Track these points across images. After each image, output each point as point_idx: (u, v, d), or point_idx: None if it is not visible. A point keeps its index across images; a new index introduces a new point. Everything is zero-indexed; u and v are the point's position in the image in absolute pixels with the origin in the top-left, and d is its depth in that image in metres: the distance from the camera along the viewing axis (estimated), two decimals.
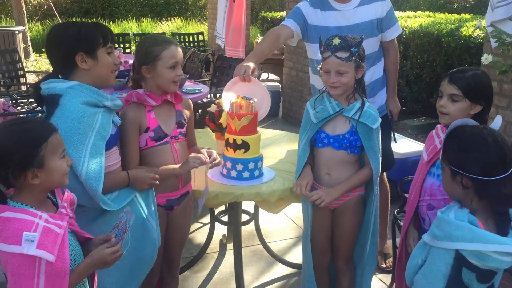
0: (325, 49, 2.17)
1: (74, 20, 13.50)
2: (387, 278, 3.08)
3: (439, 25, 6.14)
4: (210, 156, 2.20)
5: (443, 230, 1.57)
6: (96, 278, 1.73)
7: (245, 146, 2.38)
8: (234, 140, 2.38)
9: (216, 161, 2.24)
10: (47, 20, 13.73)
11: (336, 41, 2.13)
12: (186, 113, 2.25)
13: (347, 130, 2.22)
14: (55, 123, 1.62)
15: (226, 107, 2.50)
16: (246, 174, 2.41)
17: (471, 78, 1.93)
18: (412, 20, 6.84)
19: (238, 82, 2.50)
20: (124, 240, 1.62)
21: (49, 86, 1.83)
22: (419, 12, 8.20)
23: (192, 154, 2.14)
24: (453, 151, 1.64)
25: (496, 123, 1.72)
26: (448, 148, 1.66)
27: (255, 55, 2.69)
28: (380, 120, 2.23)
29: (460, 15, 7.37)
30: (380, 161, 2.25)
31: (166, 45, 2.07)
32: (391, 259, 3.18)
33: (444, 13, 7.84)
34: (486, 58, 3.18)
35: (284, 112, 7.02)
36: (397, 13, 7.89)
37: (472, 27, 5.72)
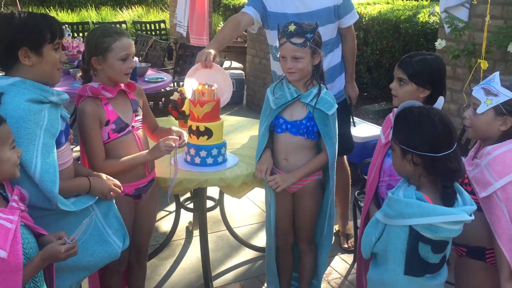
0: (281, 36, 2.22)
1: (30, 8, 13.12)
2: (350, 257, 3.19)
3: (397, 11, 6.29)
4: (180, 138, 2.18)
5: (395, 209, 1.66)
6: (54, 279, 1.71)
7: (208, 132, 2.41)
8: (197, 127, 2.41)
9: (184, 143, 2.22)
10: (4, 9, 13.27)
11: (292, 27, 2.18)
12: (140, 101, 2.25)
13: (304, 116, 2.27)
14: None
15: (188, 94, 2.52)
16: (209, 160, 2.45)
17: (416, 63, 2.03)
18: (372, 7, 6.97)
19: (200, 68, 2.53)
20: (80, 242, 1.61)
21: None
22: None
23: (162, 140, 2.12)
24: (402, 131, 1.73)
25: (439, 103, 1.82)
26: (398, 129, 1.74)
27: (216, 42, 2.71)
28: (336, 106, 2.30)
29: (417, 1, 7.55)
30: (336, 146, 2.32)
31: (118, 36, 2.03)
32: (353, 239, 3.29)
33: (403, 0, 8.01)
34: (439, 43, 3.32)
35: (248, 100, 7.06)
36: (358, 0, 8.02)
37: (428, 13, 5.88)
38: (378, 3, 7.51)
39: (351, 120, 3.29)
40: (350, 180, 3.35)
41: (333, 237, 3.32)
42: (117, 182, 1.99)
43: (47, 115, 1.74)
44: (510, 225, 1.73)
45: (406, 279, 1.67)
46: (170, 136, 2.15)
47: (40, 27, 1.75)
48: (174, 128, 2.30)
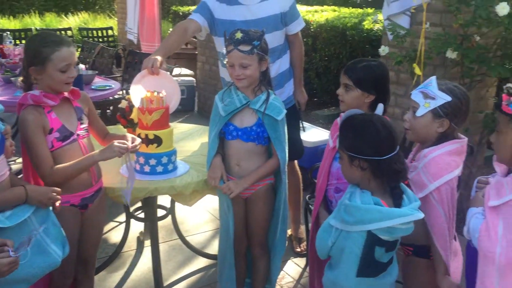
0: (228, 43, 2.22)
1: None
2: (302, 261, 3.22)
3: (343, 19, 6.45)
4: (133, 142, 2.12)
5: (354, 216, 1.69)
6: None
7: (158, 140, 2.38)
8: (146, 135, 2.37)
9: (137, 148, 2.15)
10: None
11: (238, 35, 2.19)
12: (85, 108, 2.19)
13: (254, 122, 2.29)
14: None
15: (136, 102, 2.48)
16: (159, 168, 2.42)
17: (361, 69, 2.10)
18: (319, 14, 7.12)
19: (147, 75, 2.50)
20: (22, 255, 1.55)
21: None
22: (325, 7, 8.54)
23: (116, 141, 2.06)
24: (348, 139, 1.78)
25: (379, 110, 1.89)
26: (344, 136, 1.80)
27: (163, 49, 2.69)
28: (285, 111, 2.33)
29: (363, 9, 7.78)
30: (287, 151, 2.35)
31: (57, 46, 1.96)
32: (305, 243, 3.33)
33: (349, 8, 8.24)
34: (383, 50, 3.43)
35: (200, 107, 7.03)
36: (306, 8, 8.18)
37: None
38: (325, 11, 7.69)
39: (301, 125, 3.34)
40: (301, 185, 3.39)
41: (286, 241, 3.38)
42: (56, 188, 1.92)
43: None
44: (445, 225, 1.82)
45: (357, 280, 1.72)
46: (124, 140, 2.09)
47: None
48: (128, 134, 2.24)
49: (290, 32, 3.05)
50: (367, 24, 6.05)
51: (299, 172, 3.36)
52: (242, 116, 2.31)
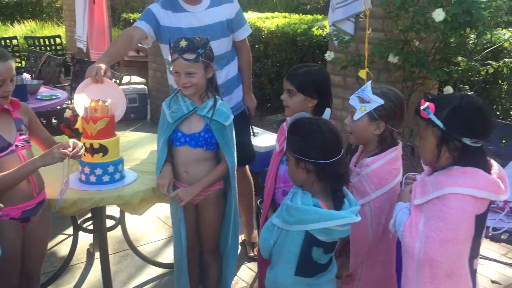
0: (173, 51, 2.22)
1: None
2: (255, 266, 3.22)
3: (294, 25, 6.56)
4: (74, 148, 2.06)
5: (294, 216, 1.73)
6: None
7: (103, 150, 2.35)
8: (91, 145, 2.33)
9: (80, 154, 2.10)
10: None
11: (183, 43, 2.19)
12: (25, 119, 2.14)
13: (202, 128, 2.29)
14: None
15: (80, 111, 2.44)
16: (106, 178, 2.38)
17: (302, 74, 2.17)
18: (270, 21, 7.20)
19: (91, 84, 2.46)
20: None
21: None
22: (276, 13, 8.64)
23: (56, 146, 2.01)
24: (295, 142, 1.82)
25: (326, 114, 1.94)
26: (291, 139, 1.83)
27: (108, 56, 2.66)
28: (232, 117, 2.35)
29: (312, 15, 7.93)
30: (235, 156, 2.36)
31: None
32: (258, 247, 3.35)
33: (299, 14, 8.38)
34: (328, 55, 3.52)
35: (152, 114, 6.95)
36: (257, 14, 8.25)
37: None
38: (276, 17, 7.78)
39: (251, 130, 3.36)
40: (253, 189, 3.41)
41: (239, 247, 3.39)
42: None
43: None
44: (366, 236, 1.91)
45: (294, 279, 1.75)
46: (65, 144, 2.04)
47: None
48: (70, 140, 2.18)
49: (237, 38, 3.07)
50: (316, 30, 6.16)
51: (251, 177, 3.38)
52: (190, 122, 2.31)
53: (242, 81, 3.20)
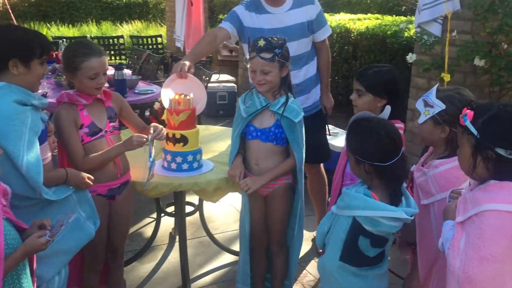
0: (251, 50, 2.37)
1: (32, 24, 13.37)
2: None
3: (384, 27, 6.47)
4: (155, 131, 2.32)
5: (344, 201, 1.82)
6: (35, 265, 1.85)
7: (184, 140, 2.55)
8: (173, 135, 2.55)
9: (160, 136, 2.34)
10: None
11: (261, 42, 2.33)
12: (116, 108, 2.39)
13: (273, 123, 2.42)
14: None
15: (165, 103, 2.67)
16: (185, 166, 2.59)
17: (371, 75, 2.21)
18: (361, 22, 7.15)
19: (176, 79, 2.68)
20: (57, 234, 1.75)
21: None
22: (369, 15, 8.54)
23: (136, 134, 2.27)
24: (354, 143, 1.89)
25: (385, 112, 1.97)
26: (349, 140, 1.90)
27: (192, 54, 2.87)
28: (302, 114, 2.44)
29: (406, 17, 7.74)
30: (304, 151, 2.46)
31: (86, 57, 2.16)
32: None
33: (392, 16, 8.20)
34: (410, 57, 3.48)
35: None
36: (349, 16, 8.21)
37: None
38: (368, 19, 7.70)
39: (327, 129, 3.43)
40: (327, 187, 3.47)
41: (311, 243, 3.48)
42: (90, 176, 2.16)
43: (30, 116, 1.93)
44: (433, 243, 1.87)
45: (339, 264, 1.82)
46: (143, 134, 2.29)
47: (32, 43, 1.96)
48: (152, 124, 2.42)
49: (317, 39, 3.16)
50: (407, 32, 6.03)
51: (325, 175, 3.45)
52: (262, 117, 2.45)
53: (320, 81, 3.28)
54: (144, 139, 2.25)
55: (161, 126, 2.38)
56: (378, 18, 7.79)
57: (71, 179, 2.11)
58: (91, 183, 2.16)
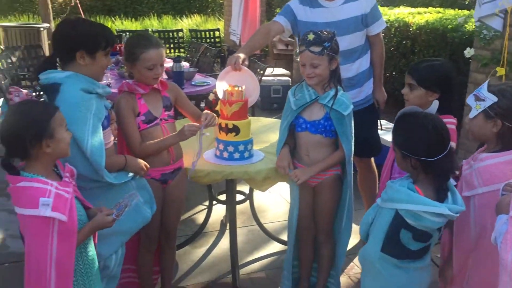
0: (301, 44, 2.41)
1: (97, 17, 13.99)
2: None
3: (445, 21, 6.28)
4: (206, 119, 2.43)
5: (388, 194, 1.84)
6: (96, 240, 2.03)
7: (236, 130, 2.65)
8: (226, 125, 2.65)
9: (211, 122, 2.45)
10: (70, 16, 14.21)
11: (311, 36, 2.37)
12: (172, 97, 2.51)
13: (322, 116, 2.46)
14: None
15: (219, 95, 2.78)
16: (236, 155, 2.68)
17: (423, 69, 2.20)
18: (421, 16, 6.98)
19: (230, 71, 2.78)
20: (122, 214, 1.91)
21: (47, 76, 2.07)
22: (430, 8, 8.30)
23: (187, 124, 2.39)
24: (400, 138, 1.90)
25: (433, 107, 1.96)
26: (397, 135, 1.91)
27: (247, 47, 2.96)
28: (352, 107, 2.46)
29: (469, 11, 7.46)
30: (353, 144, 2.48)
31: (145, 48, 2.29)
32: None
33: (455, 9, 7.94)
34: (468, 52, 3.40)
35: None
36: (409, 9, 8.03)
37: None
38: (429, 12, 7.50)
39: (379, 123, 3.42)
40: (378, 181, 3.47)
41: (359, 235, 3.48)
42: (147, 164, 2.30)
43: (95, 103, 2.09)
44: (470, 235, 1.85)
45: (380, 255, 1.84)
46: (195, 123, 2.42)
47: (97, 36, 2.11)
48: (205, 112, 2.53)
49: (371, 33, 3.15)
50: (469, 26, 5.84)
51: (375, 170, 3.44)
52: (311, 110, 2.49)
53: (373, 75, 3.27)
54: (195, 128, 2.36)
55: (212, 113, 2.49)
56: (439, 12, 7.57)
57: (129, 165, 2.25)
58: (147, 170, 2.29)
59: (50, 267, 1.70)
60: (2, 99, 4.86)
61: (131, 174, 2.26)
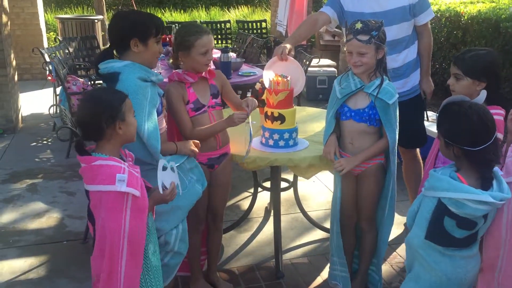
0: (349, 32, 2.45)
1: (148, 9, 14.36)
2: None
3: (498, 10, 6.09)
4: (248, 106, 2.52)
5: (430, 183, 1.86)
6: (154, 217, 2.17)
7: (281, 118, 2.72)
8: (272, 113, 2.73)
9: (254, 107, 2.53)
10: (123, 8, 14.68)
11: (358, 25, 2.40)
12: (218, 85, 2.62)
13: (367, 104, 2.49)
14: None
15: (266, 84, 2.86)
16: (281, 143, 2.76)
17: (469, 58, 2.19)
18: (474, 5, 6.79)
19: (277, 61, 2.85)
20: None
21: (107, 66, 2.21)
22: None
23: (237, 112, 2.49)
24: (444, 125, 1.91)
25: (480, 97, 1.96)
26: (441, 123, 1.93)
27: (293, 38, 3.02)
28: (397, 96, 2.48)
29: None
30: (397, 133, 2.50)
31: (199, 35, 2.40)
32: None
33: None
34: None
35: None
36: None
37: None
38: (481, 2, 7.28)
39: (425, 114, 3.40)
40: (422, 172, 3.45)
41: (403, 227, 3.50)
42: (196, 141, 2.44)
43: (150, 91, 2.23)
44: (502, 222, 1.83)
45: (424, 242, 1.87)
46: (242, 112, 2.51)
47: (148, 24, 2.25)
48: (246, 99, 2.59)
49: (419, 23, 3.13)
50: None
51: (421, 161, 3.43)
52: (356, 98, 2.53)
53: (420, 65, 3.25)
54: (245, 116, 2.45)
55: (251, 98, 2.58)
56: (492, 1, 7.33)
57: (180, 149, 2.39)
58: (197, 151, 2.42)
59: (123, 239, 1.83)
60: (61, 87, 5.15)
61: (184, 157, 2.40)
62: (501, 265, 1.94)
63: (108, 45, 2.35)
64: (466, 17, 6.41)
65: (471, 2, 7.27)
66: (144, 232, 1.91)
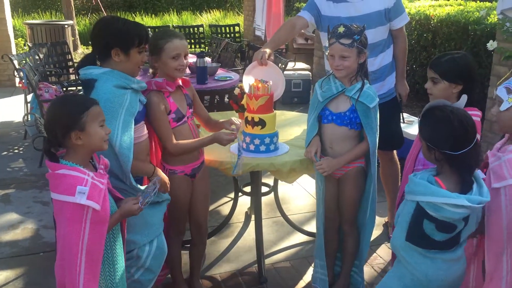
0: (331, 36, 2.47)
1: (118, 14, 14.17)
2: None
3: (466, 13, 6.26)
4: (235, 125, 2.54)
5: (409, 187, 1.89)
6: (125, 230, 2.12)
7: (262, 123, 2.72)
8: (252, 118, 2.72)
9: (239, 128, 2.55)
10: (94, 15, 14.46)
11: (341, 29, 2.43)
12: (191, 95, 2.59)
13: (348, 108, 2.51)
14: None
15: (246, 89, 2.85)
16: (262, 147, 2.75)
17: (445, 62, 2.24)
18: (442, 9, 6.95)
19: (257, 66, 2.85)
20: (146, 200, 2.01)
21: (86, 72, 2.16)
22: (451, 1, 8.25)
23: (224, 133, 2.47)
24: (426, 130, 1.94)
25: (461, 102, 2.00)
26: (423, 127, 1.96)
27: (272, 42, 3.03)
28: (377, 100, 2.51)
29: (491, 3, 7.40)
30: (377, 136, 2.54)
31: (169, 38, 2.36)
32: None
33: (476, 1, 7.88)
34: (491, 44, 3.41)
35: None
36: (429, 2, 7.99)
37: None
38: (450, 5, 7.46)
39: (401, 116, 3.46)
40: (400, 174, 3.51)
41: (382, 227, 3.54)
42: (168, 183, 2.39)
43: (129, 98, 2.18)
44: (502, 227, 1.86)
45: (405, 244, 1.90)
46: (228, 131, 2.51)
47: (131, 34, 2.19)
48: (232, 119, 2.60)
49: (394, 27, 3.18)
50: (491, 19, 5.81)
51: (398, 162, 3.49)
52: (338, 102, 2.55)
53: (396, 68, 3.31)
54: (233, 138, 2.45)
55: (235, 119, 2.58)
56: (460, 4, 7.53)
57: (156, 175, 2.28)
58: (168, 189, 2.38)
59: (81, 252, 1.80)
60: (32, 94, 5.03)
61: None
62: (507, 269, 1.87)
63: (90, 51, 2.31)
64: (435, 20, 6.55)
65: (440, 6, 7.45)
66: (102, 244, 1.87)
